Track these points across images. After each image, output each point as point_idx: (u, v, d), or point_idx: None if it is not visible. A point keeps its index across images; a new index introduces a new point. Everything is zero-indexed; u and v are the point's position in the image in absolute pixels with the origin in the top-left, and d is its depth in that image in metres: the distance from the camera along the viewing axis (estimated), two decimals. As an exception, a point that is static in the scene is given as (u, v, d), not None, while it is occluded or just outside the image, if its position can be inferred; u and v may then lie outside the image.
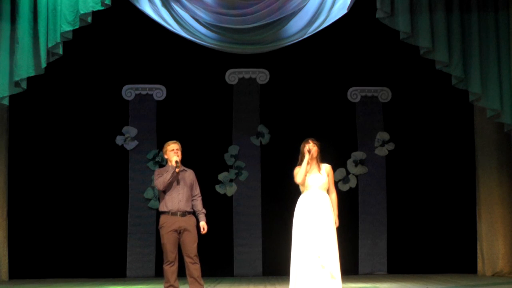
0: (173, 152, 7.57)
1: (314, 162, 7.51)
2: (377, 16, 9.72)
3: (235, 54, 10.75)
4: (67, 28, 9.57)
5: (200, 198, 7.68)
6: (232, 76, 12.31)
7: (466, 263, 11.69)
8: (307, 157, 7.45)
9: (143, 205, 12.00)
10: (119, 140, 12.10)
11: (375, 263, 12.05)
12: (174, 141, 7.68)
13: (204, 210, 7.66)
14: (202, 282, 7.56)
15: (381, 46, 11.85)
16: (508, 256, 11.20)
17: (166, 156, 7.64)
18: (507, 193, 11.25)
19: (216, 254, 11.63)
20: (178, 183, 7.56)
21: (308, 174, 7.48)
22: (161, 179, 7.53)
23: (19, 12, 9.66)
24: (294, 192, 7.76)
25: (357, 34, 11.86)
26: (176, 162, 7.51)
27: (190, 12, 10.15)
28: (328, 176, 7.51)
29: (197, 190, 7.70)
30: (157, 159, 12.06)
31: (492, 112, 9.86)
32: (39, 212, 11.81)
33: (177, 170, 7.52)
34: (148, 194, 11.97)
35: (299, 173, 7.48)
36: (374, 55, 12.08)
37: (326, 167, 7.54)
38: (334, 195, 7.55)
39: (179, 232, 7.52)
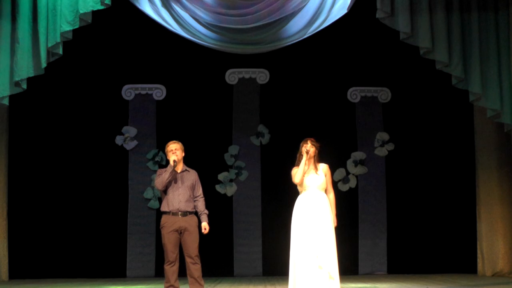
0: (171, 152, 7.59)
1: (312, 162, 7.50)
2: (377, 16, 9.71)
3: (235, 54, 10.74)
4: (67, 28, 9.55)
5: (202, 199, 7.68)
6: (232, 76, 12.31)
7: (466, 263, 11.69)
8: (305, 157, 7.45)
9: (143, 205, 12.00)
10: (118, 140, 12.10)
11: (375, 263, 12.04)
12: (175, 141, 7.69)
13: (206, 211, 7.66)
14: (202, 282, 7.56)
15: (381, 46, 11.85)
16: (508, 256, 11.20)
17: (167, 157, 7.66)
18: (507, 193, 11.26)
19: (216, 254, 11.63)
20: (178, 183, 7.57)
21: (305, 175, 7.47)
22: (159, 178, 7.55)
23: (19, 11, 9.65)
24: (294, 192, 7.75)
25: (357, 34, 11.87)
26: (174, 161, 7.52)
27: (190, 12, 10.14)
28: (325, 176, 7.51)
29: (199, 191, 7.69)
30: (156, 159, 12.06)
31: (492, 112, 9.85)
32: (39, 212, 11.81)
33: (176, 169, 7.53)
34: (148, 194, 11.97)
35: (297, 174, 7.48)
36: (374, 55, 12.08)
37: (323, 167, 7.54)
38: (332, 195, 7.54)
39: (180, 232, 7.52)
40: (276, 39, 10.38)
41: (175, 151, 7.59)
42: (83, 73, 12.00)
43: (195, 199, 7.65)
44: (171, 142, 7.68)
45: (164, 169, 7.65)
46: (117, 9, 9.96)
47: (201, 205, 7.66)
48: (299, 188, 7.56)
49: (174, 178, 7.57)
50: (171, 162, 7.53)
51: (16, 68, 9.60)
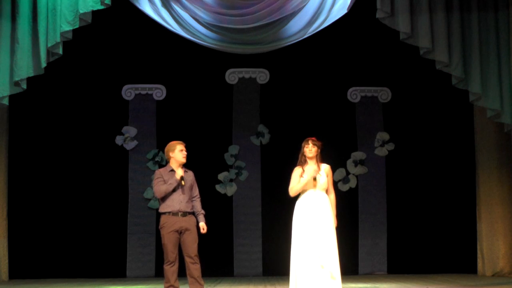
0: (182, 152, 7.54)
1: (314, 162, 7.49)
2: (377, 16, 9.72)
3: (235, 54, 10.75)
4: (67, 28, 9.56)
5: (199, 199, 7.68)
6: (232, 76, 12.31)
7: (466, 263, 11.69)
8: (309, 177, 7.38)
9: (143, 205, 12.00)
10: (118, 140, 12.10)
11: (375, 263, 12.05)
12: (180, 141, 7.65)
13: (203, 211, 7.66)
14: (202, 282, 7.56)
15: (381, 46, 11.85)
16: (508, 256, 11.20)
17: (172, 155, 7.56)
18: (507, 193, 11.26)
19: (216, 254, 11.63)
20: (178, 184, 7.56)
21: (307, 175, 7.47)
22: (162, 188, 7.46)
23: (19, 11, 9.66)
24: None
25: (357, 34, 11.87)
26: (181, 177, 7.50)
27: (190, 12, 10.15)
28: (327, 176, 7.49)
29: (196, 191, 7.69)
30: (156, 159, 12.06)
31: (492, 112, 9.86)
32: (39, 212, 11.81)
33: (182, 181, 7.53)
34: (148, 194, 11.97)
35: (294, 188, 7.40)
36: (374, 55, 12.08)
37: (325, 168, 7.52)
38: (332, 195, 7.53)
39: (180, 232, 7.52)
40: (276, 39, 10.39)
41: (185, 151, 7.58)
42: (83, 73, 12.00)
43: (193, 199, 7.65)
44: (176, 142, 7.62)
45: (163, 170, 7.62)
46: (117, 9, 9.97)
47: (198, 205, 7.66)
48: (300, 188, 7.55)
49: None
50: (178, 177, 7.49)
51: (16, 68, 9.60)
